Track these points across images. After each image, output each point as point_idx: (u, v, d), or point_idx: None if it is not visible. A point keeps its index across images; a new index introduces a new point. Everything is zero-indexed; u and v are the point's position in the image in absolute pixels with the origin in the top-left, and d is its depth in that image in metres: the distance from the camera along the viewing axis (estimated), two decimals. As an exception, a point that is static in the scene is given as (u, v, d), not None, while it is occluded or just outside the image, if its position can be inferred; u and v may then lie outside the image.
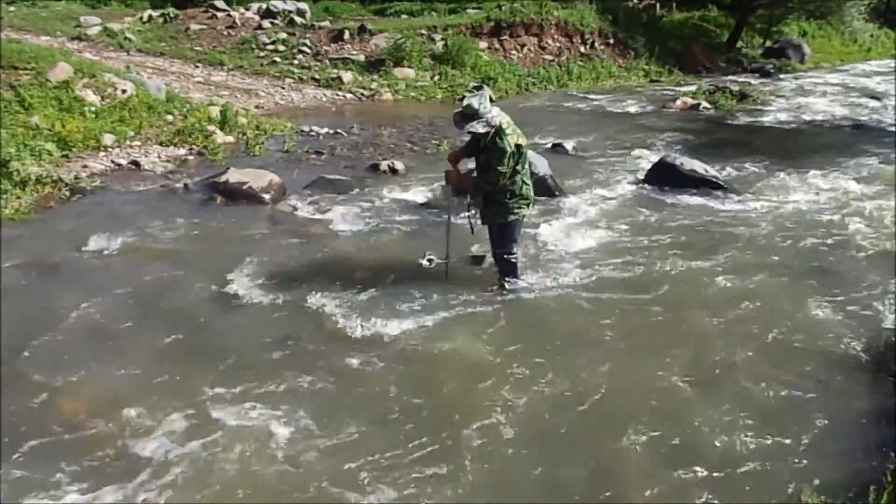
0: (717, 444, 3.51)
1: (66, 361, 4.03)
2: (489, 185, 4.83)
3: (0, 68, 8.78)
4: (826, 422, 3.70)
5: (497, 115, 4.66)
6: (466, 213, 5.37)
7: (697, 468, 3.32)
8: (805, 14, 24.49)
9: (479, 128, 4.62)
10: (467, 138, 4.98)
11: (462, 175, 5.13)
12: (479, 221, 5.19)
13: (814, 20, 25.92)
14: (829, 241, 6.36)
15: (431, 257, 5.31)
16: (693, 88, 16.12)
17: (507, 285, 5.14)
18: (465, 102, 4.63)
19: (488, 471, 3.30)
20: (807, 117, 13.63)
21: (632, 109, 14.04)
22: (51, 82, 8.77)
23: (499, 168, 4.70)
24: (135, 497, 3.06)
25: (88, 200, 6.74)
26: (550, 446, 3.48)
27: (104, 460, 3.27)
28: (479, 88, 4.82)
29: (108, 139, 8.27)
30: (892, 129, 12.32)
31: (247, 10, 17.78)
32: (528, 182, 4.96)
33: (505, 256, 5.13)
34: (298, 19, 16.91)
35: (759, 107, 14.65)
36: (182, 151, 8.61)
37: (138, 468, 3.22)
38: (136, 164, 7.92)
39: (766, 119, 13.42)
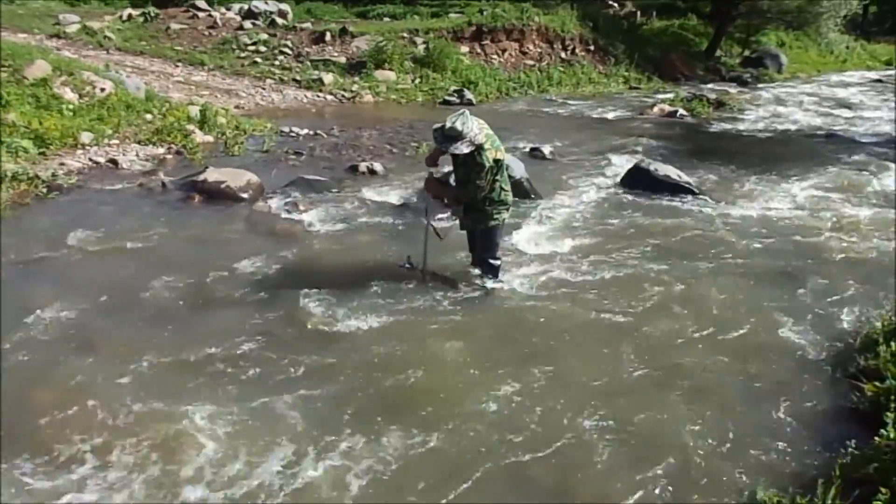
0: (674, 440, 3.61)
1: (41, 358, 4.05)
2: (467, 197, 4.95)
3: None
4: (782, 419, 3.82)
5: (479, 132, 4.71)
6: (444, 216, 5.43)
7: (654, 463, 3.41)
8: (783, 24, 24.84)
9: (464, 148, 4.67)
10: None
11: (441, 184, 5.20)
12: (458, 227, 5.29)
13: (791, 31, 26.33)
14: (798, 246, 6.52)
15: (410, 262, 5.34)
16: (671, 96, 16.40)
17: (487, 286, 5.24)
18: (447, 125, 4.66)
19: (454, 465, 3.37)
20: (781, 126, 13.89)
21: (610, 115, 14.22)
22: (28, 80, 8.73)
23: (478, 182, 4.80)
24: (111, 492, 3.10)
25: (65, 198, 6.74)
26: (518, 441, 3.56)
27: (77, 455, 3.30)
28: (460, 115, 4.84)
29: (85, 137, 8.25)
30: (862, 139, 12.58)
31: (228, 10, 17.74)
32: (507, 188, 5.06)
33: (490, 261, 5.26)
34: (280, 20, 16.92)
35: (735, 115, 14.91)
36: (160, 150, 8.61)
37: (113, 463, 3.26)
38: (113, 162, 7.92)
39: (742, 127, 13.66)
